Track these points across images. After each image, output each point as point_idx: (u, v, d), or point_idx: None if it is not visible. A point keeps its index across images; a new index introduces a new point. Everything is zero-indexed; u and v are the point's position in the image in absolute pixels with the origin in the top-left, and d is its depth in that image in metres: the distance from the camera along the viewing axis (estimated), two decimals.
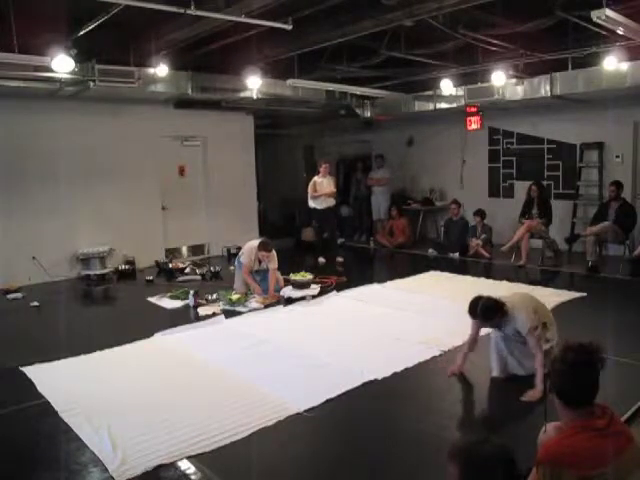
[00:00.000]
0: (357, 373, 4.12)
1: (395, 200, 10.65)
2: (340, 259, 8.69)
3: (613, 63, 6.38)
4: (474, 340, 4.03)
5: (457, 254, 8.91)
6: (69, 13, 5.56)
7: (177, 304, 6.39)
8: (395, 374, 4.15)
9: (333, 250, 9.04)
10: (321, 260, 8.60)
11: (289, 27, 5.38)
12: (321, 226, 9.08)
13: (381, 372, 4.14)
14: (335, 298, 6.56)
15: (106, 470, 2.94)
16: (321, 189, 8.61)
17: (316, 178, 8.71)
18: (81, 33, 5.47)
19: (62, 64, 5.61)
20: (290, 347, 4.84)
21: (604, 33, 5.72)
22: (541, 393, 3.52)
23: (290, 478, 3.01)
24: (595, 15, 4.67)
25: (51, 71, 5.86)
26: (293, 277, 6.80)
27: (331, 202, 8.76)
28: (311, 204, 8.75)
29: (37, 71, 6.06)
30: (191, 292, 6.37)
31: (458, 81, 8.15)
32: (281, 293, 6.54)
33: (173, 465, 2.99)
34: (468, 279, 7.31)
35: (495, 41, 6.28)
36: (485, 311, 3.75)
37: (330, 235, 9.14)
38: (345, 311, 6.05)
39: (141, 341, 5.08)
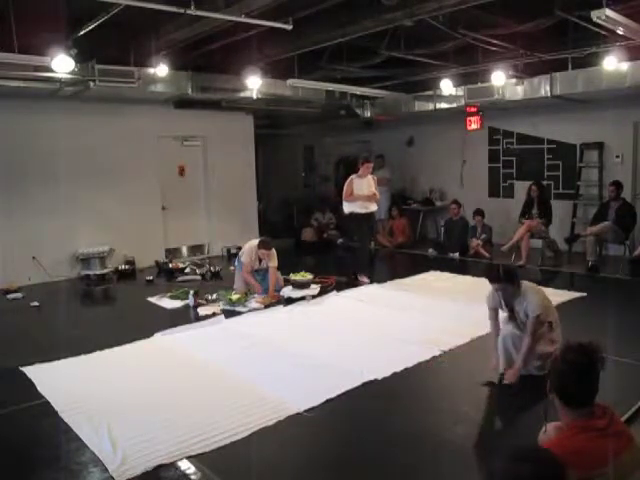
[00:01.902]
0: (357, 373, 4.12)
1: (395, 200, 10.65)
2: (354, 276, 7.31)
3: (613, 63, 6.37)
4: (497, 326, 4.07)
5: (457, 254, 8.91)
6: (69, 13, 5.56)
7: (177, 304, 6.39)
8: (395, 374, 4.15)
9: (366, 264, 7.59)
10: (365, 280, 7.20)
11: (289, 27, 5.38)
12: (358, 236, 7.58)
13: (381, 372, 4.14)
14: (335, 298, 6.56)
15: (106, 470, 2.94)
16: (359, 191, 7.19)
17: (354, 177, 7.27)
18: (81, 33, 5.47)
19: (62, 64, 5.61)
20: (290, 347, 4.84)
21: (604, 33, 5.72)
22: (518, 372, 3.80)
23: (290, 478, 3.01)
24: (595, 15, 4.68)
25: (51, 71, 5.85)
26: (293, 277, 6.80)
27: (372, 207, 7.30)
28: (346, 209, 7.27)
29: (37, 71, 6.06)
30: (191, 292, 6.37)
31: (458, 81, 8.15)
32: (281, 293, 6.54)
33: (173, 465, 2.99)
34: (468, 279, 7.30)
35: (495, 41, 6.28)
36: (507, 273, 3.87)
37: (363, 245, 7.62)
38: (345, 311, 6.05)
39: (141, 341, 5.08)
